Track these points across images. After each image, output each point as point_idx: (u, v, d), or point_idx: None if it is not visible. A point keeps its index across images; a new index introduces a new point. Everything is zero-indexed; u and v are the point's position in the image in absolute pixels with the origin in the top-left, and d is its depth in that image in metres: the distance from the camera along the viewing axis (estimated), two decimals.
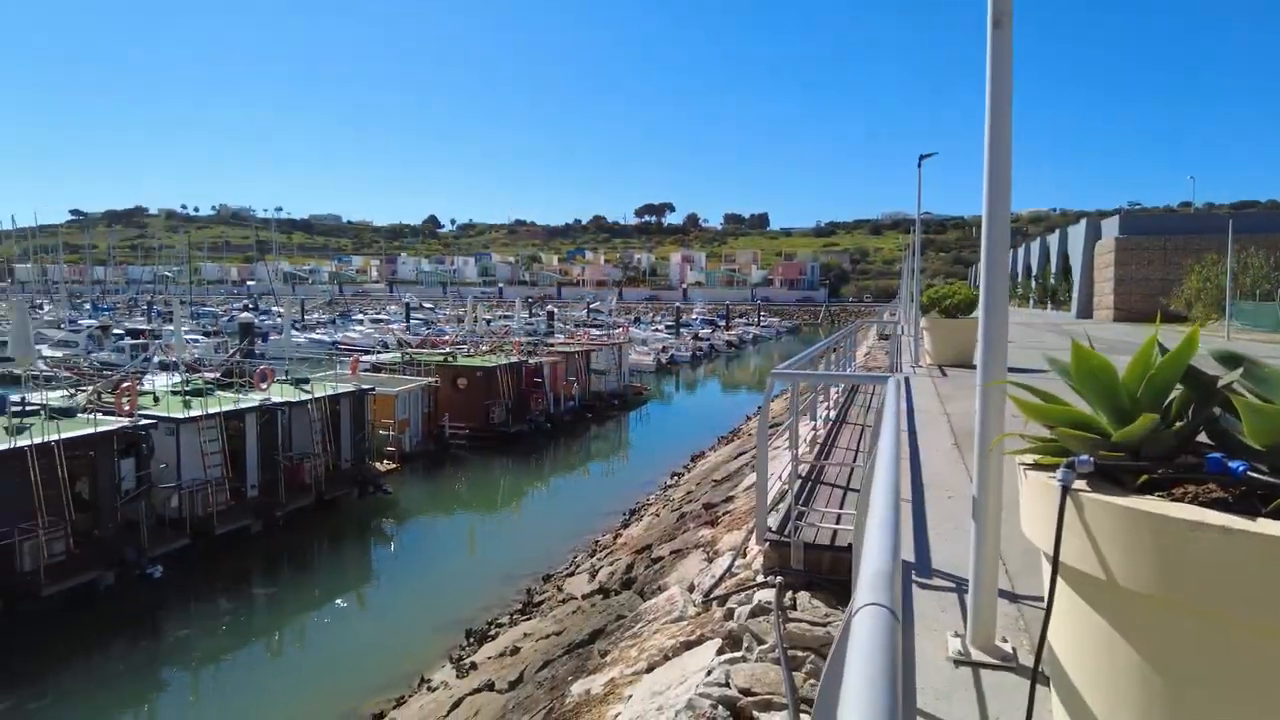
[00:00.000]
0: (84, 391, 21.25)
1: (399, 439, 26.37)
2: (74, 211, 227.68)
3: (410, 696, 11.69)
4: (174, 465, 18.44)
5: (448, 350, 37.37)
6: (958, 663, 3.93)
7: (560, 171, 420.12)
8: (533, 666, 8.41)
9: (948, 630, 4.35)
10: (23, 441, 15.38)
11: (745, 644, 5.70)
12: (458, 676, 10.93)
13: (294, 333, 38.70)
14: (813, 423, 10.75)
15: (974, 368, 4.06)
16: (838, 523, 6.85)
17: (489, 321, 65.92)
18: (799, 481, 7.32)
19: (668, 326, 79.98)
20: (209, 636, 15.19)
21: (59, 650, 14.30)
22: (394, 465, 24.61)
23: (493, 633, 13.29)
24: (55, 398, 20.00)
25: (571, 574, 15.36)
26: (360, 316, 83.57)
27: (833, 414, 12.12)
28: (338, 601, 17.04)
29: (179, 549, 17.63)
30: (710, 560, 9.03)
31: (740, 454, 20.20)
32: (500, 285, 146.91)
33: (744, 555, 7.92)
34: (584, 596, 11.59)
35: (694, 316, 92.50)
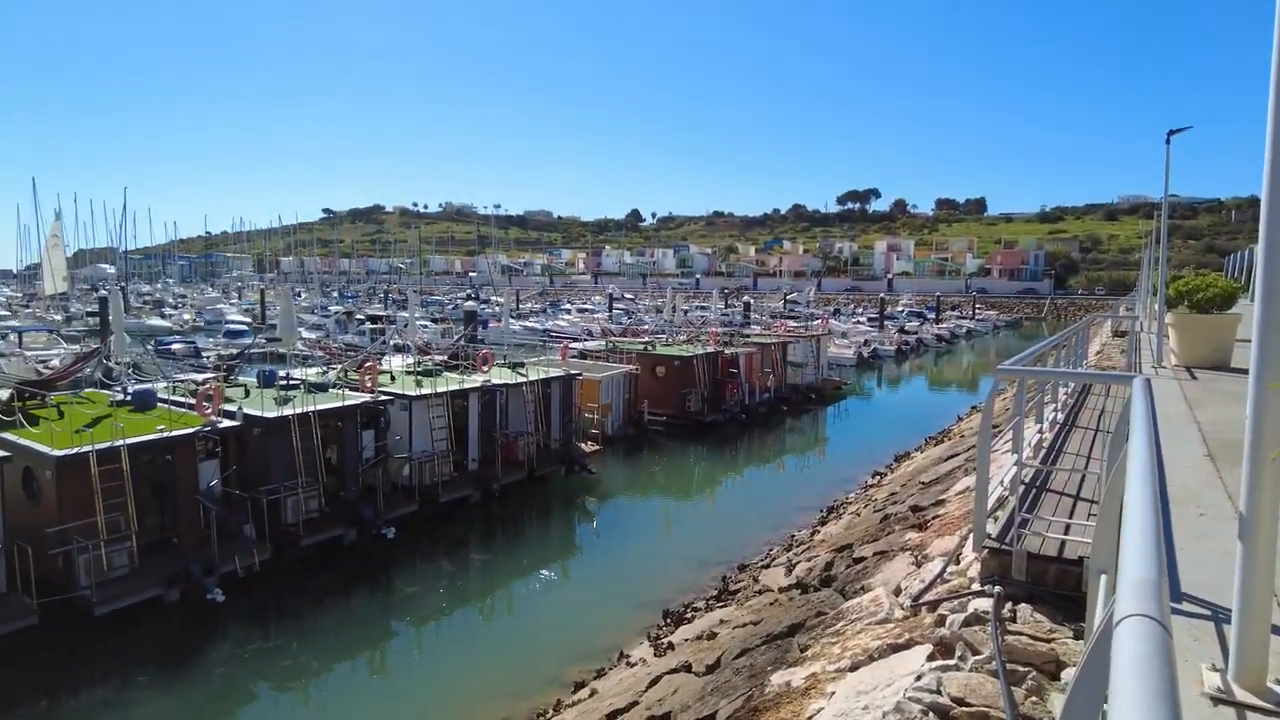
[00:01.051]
0: (334, 369, 24.10)
1: (602, 422, 27.52)
2: (325, 210, 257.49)
3: (610, 669, 12.22)
4: (406, 438, 20.45)
5: (647, 339, 38.39)
6: (1216, 700, 3.52)
7: (758, 161, 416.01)
8: (730, 653, 8.50)
9: (1202, 662, 3.91)
10: (287, 411, 17.72)
11: (958, 653, 5.42)
12: (655, 655, 11.27)
13: (510, 321, 41.48)
14: (1038, 425, 9.95)
15: (1231, 370, 3.58)
16: (1066, 533, 6.31)
17: (686, 312, 66.89)
18: (1022, 487, 6.83)
19: (870, 319, 76.98)
20: (432, 594, 16.75)
21: (314, 593, 16.42)
22: (597, 447, 25.73)
23: (689, 616, 13.56)
24: (312, 374, 22.82)
25: (767, 566, 15.32)
26: (568, 306, 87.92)
27: (1060, 416, 11.14)
28: (543, 571, 18.14)
29: (408, 513, 19.54)
30: (918, 564, 8.65)
31: (951, 456, 19.11)
32: (697, 276, 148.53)
33: (957, 562, 7.51)
34: (781, 590, 11.52)
35: (900, 308, 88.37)
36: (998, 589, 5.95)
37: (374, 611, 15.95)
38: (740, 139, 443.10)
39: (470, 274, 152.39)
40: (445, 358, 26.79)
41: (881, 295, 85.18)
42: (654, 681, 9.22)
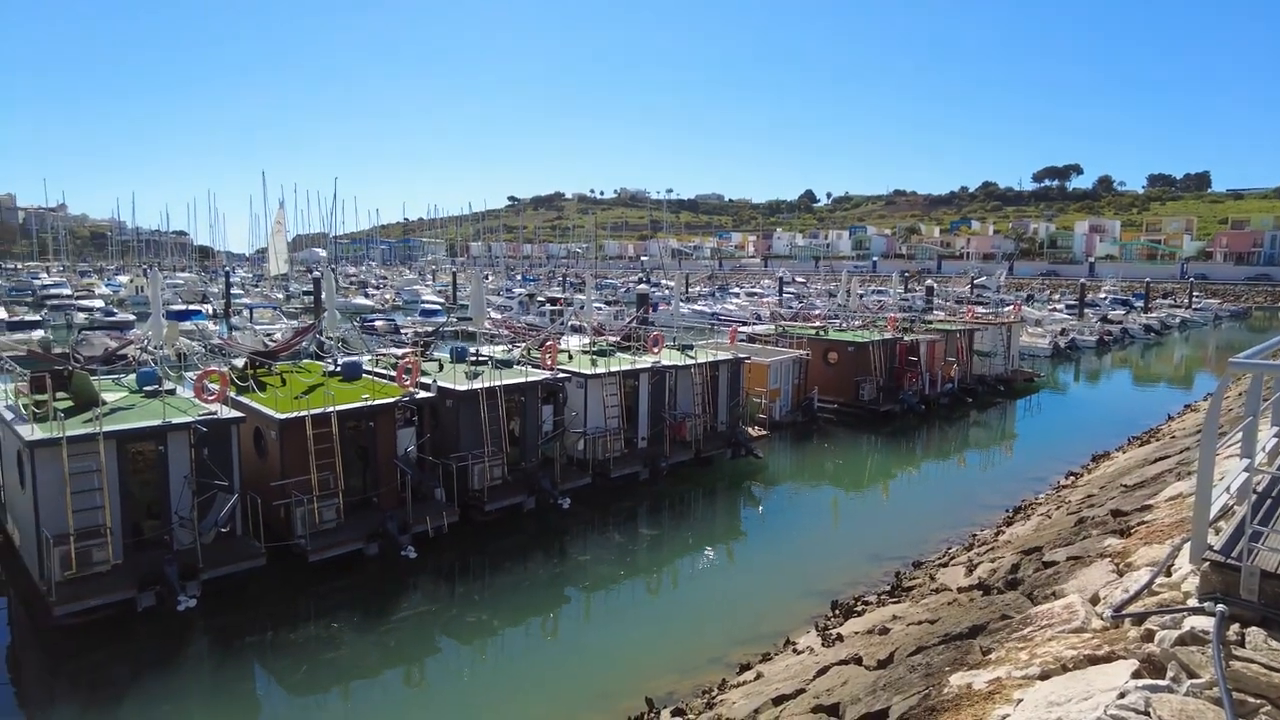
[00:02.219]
0: (518, 347, 25.42)
1: (770, 407, 27.24)
2: (510, 197, 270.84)
3: (775, 655, 12.14)
4: (581, 414, 21.25)
5: (819, 324, 37.45)
6: None
7: (944, 137, 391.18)
8: (904, 650, 8.18)
9: None
10: (476, 385, 18.90)
11: (1171, 673, 4.91)
12: (823, 645, 11.07)
13: (679, 304, 41.94)
14: (1276, 428, 8.75)
15: None
16: None
17: (862, 296, 64.59)
18: (1254, 496, 6.04)
19: (1069, 306, 70.78)
20: (602, 564, 17.35)
21: (495, 555, 17.50)
22: (764, 432, 25.51)
23: (859, 609, 13.20)
24: (498, 351, 24.19)
25: (945, 564, 14.58)
26: (737, 290, 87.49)
27: None
28: (708, 551, 18.28)
29: (582, 486, 20.32)
30: (1120, 573, 7.90)
31: (1160, 458, 17.28)
32: (874, 259, 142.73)
33: (1168, 574, 6.79)
34: (960, 589, 10.93)
35: (1102, 295, 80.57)
36: (1221, 608, 5.31)
37: (549, 576, 16.76)
38: (924, 114, 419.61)
39: (642, 258, 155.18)
40: (618, 339, 27.51)
41: (1082, 281, 77.86)
42: (822, 671, 9.06)
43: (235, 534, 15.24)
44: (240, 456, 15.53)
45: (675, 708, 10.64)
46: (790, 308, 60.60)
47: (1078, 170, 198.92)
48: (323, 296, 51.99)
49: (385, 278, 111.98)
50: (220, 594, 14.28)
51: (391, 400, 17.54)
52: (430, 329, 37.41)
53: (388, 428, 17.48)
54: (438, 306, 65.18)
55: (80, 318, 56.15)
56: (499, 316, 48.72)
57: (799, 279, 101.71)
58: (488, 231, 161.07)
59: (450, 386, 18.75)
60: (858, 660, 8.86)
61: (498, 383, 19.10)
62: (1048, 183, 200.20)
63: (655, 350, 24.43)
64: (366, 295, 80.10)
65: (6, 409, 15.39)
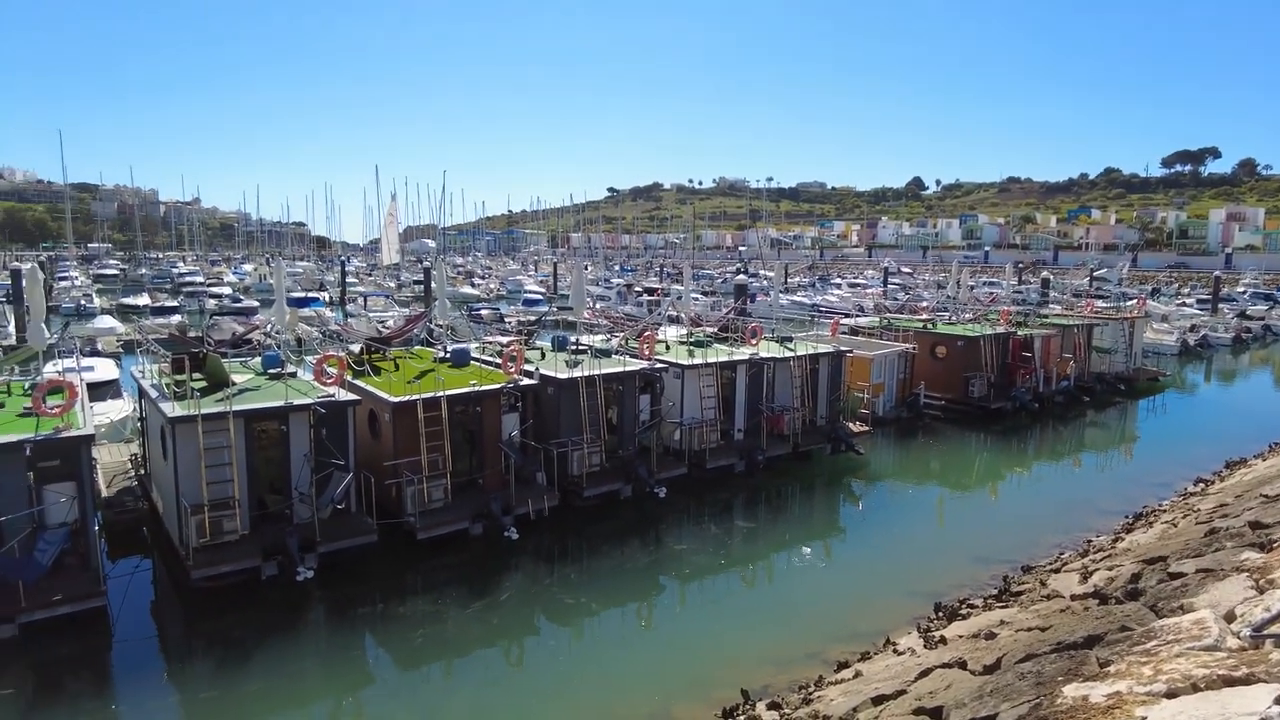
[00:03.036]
0: (616, 337, 25.70)
1: (872, 402, 26.58)
2: (609, 189, 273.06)
3: (875, 654, 11.91)
4: (678, 404, 21.33)
5: (927, 317, 36.21)
6: None
7: (1062, 121, 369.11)
8: (1012, 656, 7.87)
9: None
10: (577, 373, 19.25)
11: None
12: (925, 646, 10.78)
13: (779, 295, 41.38)
14: None
15: None
16: None
17: (973, 288, 62.03)
18: None
19: (1200, 301, 65.89)
20: (698, 554, 17.39)
21: (593, 540, 17.82)
22: (865, 427, 24.93)
23: (964, 612, 12.77)
24: (597, 341, 24.53)
25: (1057, 570, 13.92)
26: (839, 281, 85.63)
27: None
28: (805, 546, 18.04)
29: (678, 476, 20.42)
30: (1260, 590, 7.35)
31: None
32: (986, 249, 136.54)
33: None
34: (1074, 597, 10.41)
35: (1240, 289, 74.67)
36: None
37: (645, 563, 16.95)
38: (1040, 97, 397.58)
39: (740, 248, 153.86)
40: (715, 330, 27.41)
41: (1216, 273, 72.25)
42: (924, 673, 8.83)
43: (350, 510, 16.08)
44: (356, 437, 16.34)
45: (771, 701, 10.59)
46: (896, 299, 58.81)
47: (1214, 154, 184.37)
48: (433, 286, 53.93)
49: (490, 268, 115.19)
50: (335, 567, 15.12)
51: (497, 386, 18.09)
52: (532, 318, 38.29)
53: (493, 412, 18.05)
54: (539, 296, 66.62)
55: (211, 304, 60.31)
56: (598, 306, 49.40)
57: (905, 269, 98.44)
58: (587, 223, 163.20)
59: (551, 374, 19.17)
60: (962, 664, 8.58)
61: (596, 372, 19.39)
62: (1178, 168, 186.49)
63: (753, 342, 24.22)
64: (472, 285, 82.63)
65: (152, 387, 16.70)
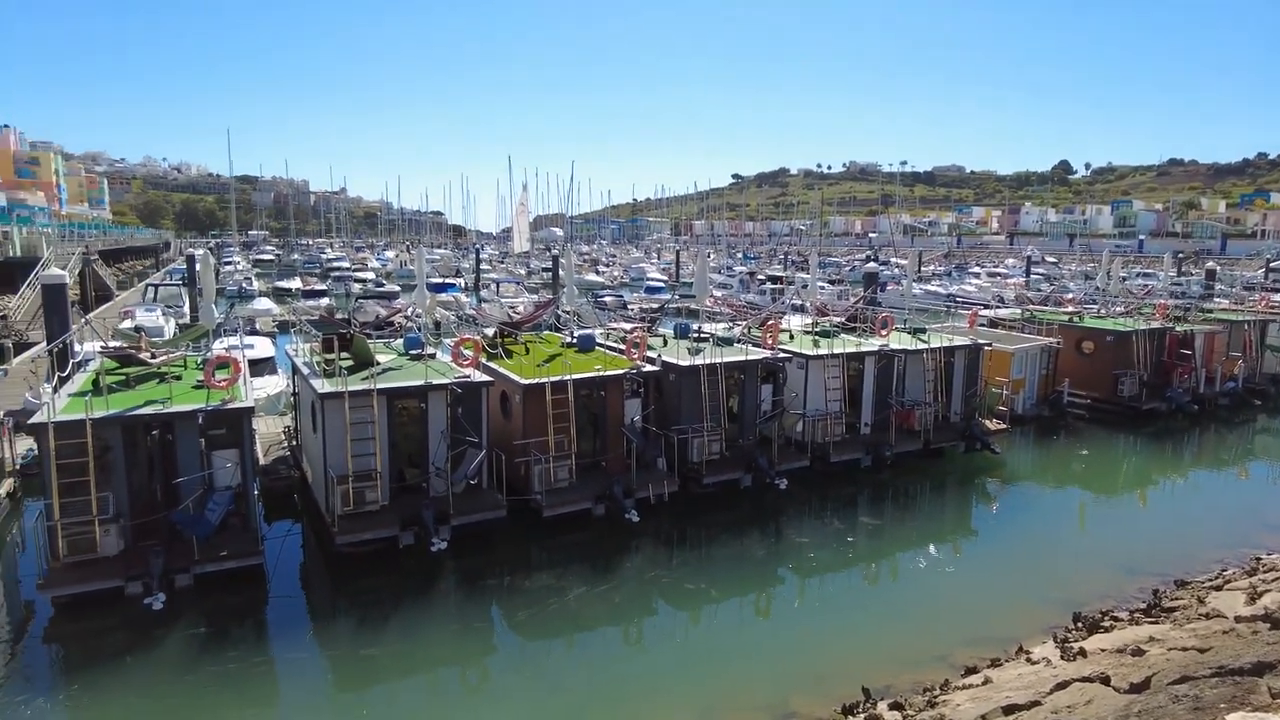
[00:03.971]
0: (738, 326, 25.53)
1: (1011, 399, 25.19)
2: (734, 175, 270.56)
3: (1006, 661, 11.37)
4: (801, 395, 20.97)
5: (1073, 310, 33.90)
6: None
7: (1234, 94, 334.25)
8: (1165, 676, 7.33)
9: None
10: (698, 361, 19.28)
11: None
12: (1062, 657, 10.20)
13: (911, 284, 39.79)
14: None
15: None
16: None
17: (1125, 279, 57.54)
18: None
19: None
20: (818, 548, 17.10)
21: (711, 528, 17.87)
22: (1003, 425, 23.66)
23: (1106, 624, 11.98)
24: (719, 329, 24.45)
25: (1219, 588, 12.81)
26: (977, 269, 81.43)
27: None
28: (932, 546, 17.39)
29: (799, 468, 20.11)
30: None
31: None
32: (1140, 237, 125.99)
33: None
34: (1239, 619, 9.56)
35: None
36: None
37: (764, 554, 16.84)
38: (1208, 71, 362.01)
39: (870, 234, 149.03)
40: (843, 320, 26.73)
41: None
42: (1060, 685, 8.36)
43: (482, 486, 16.81)
44: (488, 416, 17.04)
45: (894, 701, 10.33)
46: (1039, 290, 55.36)
47: None
48: (561, 273, 55.27)
49: (614, 256, 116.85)
50: (466, 539, 15.86)
51: (621, 372, 18.38)
52: (655, 305, 38.57)
53: (617, 397, 18.37)
54: (662, 284, 67.00)
55: (356, 288, 64.18)
56: (720, 294, 49.18)
57: (1049, 259, 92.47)
58: (711, 210, 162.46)
59: (673, 361, 19.28)
60: (1104, 680, 8.07)
61: (718, 360, 19.35)
62: None
63: (883, 333, 23.46)
64: (597, 272, 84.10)
65: (304, 365, 18.00)
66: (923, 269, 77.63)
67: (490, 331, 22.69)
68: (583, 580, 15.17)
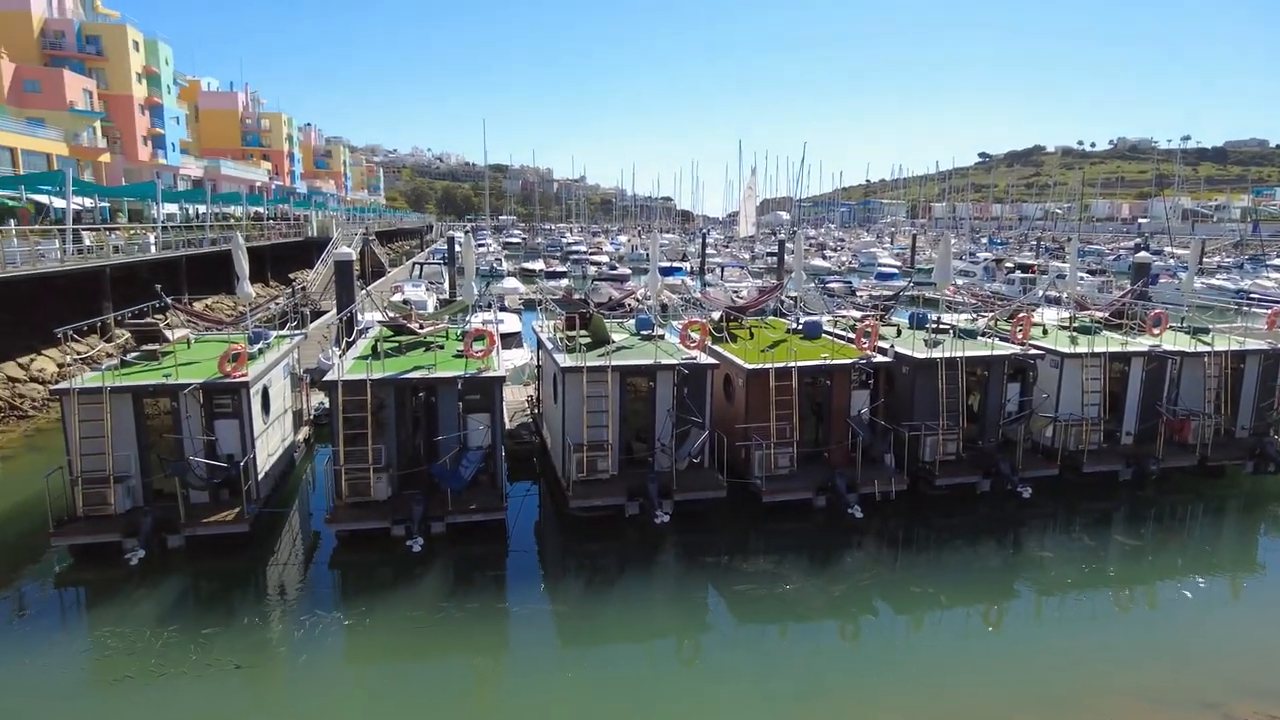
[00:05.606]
0: (983, 317, 23.76)
1: None
2: (981, 154, 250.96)
3: None
4: (1053, 397, 19.13)
5: None
6: None
7: None
8: None
9: None
10: (936, 353, 18.22)
11: None
12: None
13: (1193, 277, 34.68)
14: None
15: None
16: None
17: None
18: None
19: None
20: (1063, 566, 15.56)
21: (941, 532, 16.91)
22: None
23: None
24: (960, 320, 22.91)
25: None
26: (1277, 261, 69.51)
27: None
28: (1202, 579, 15.19)
29: (1046, 476, 18.39)
30: None
31: None
32: None
33: None
34: None
35: None
36: None
37: (998, 565, 15.68)
38: None
39: (1140, 220, 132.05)
40: (1106, 315, 23.97)
41: None
42: None
43: (703, 466, 17.14)
44: (712, 398, 17.31)
45: None
46: None
47: None
48: (787, 258, 54.60)
49: (843, 240, 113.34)
50: (686, 515, 16.28)
51: (849, 361, 17.85)
52: (889, 293, 36.90)
53: (843, 387, 17.87)
54: (894, 270, 63.96)
55: (592, 270, 67.61)
56: (961, 283, 46.05)
57: None
58: (953, 191, 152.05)
59: (907, 353, 18.38)
60: None
61: (959, 353, 18.16)
62: None
63: (1155, 331, 20.75)
64: (824, 257, 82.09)
65: (548, 340, 19.31)
66: (1206, 260, 67.48)
67: (716, 315, 22.95)
68: (801, 570, 15.02)
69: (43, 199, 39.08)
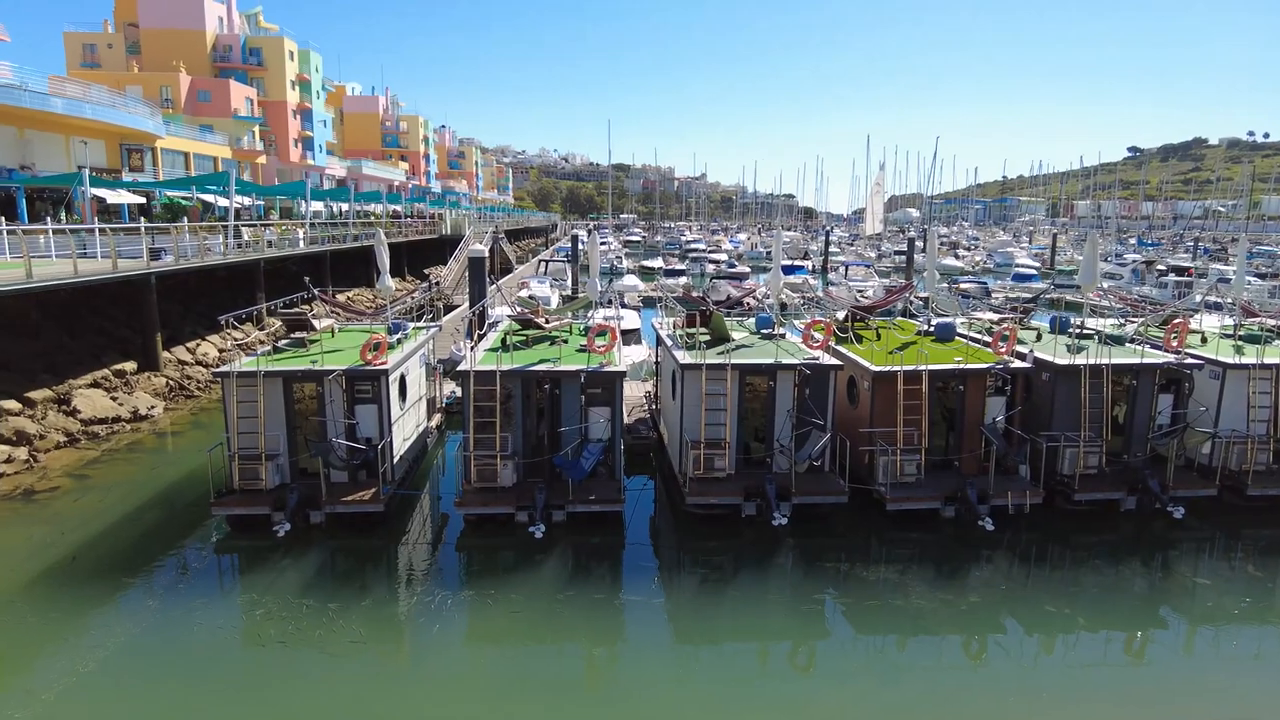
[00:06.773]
0: (1132, 323, 22.11)
1: None
2: (1130, 149, 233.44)
3: None
4: (1213, 411, 17.60)
5: None
6: None
7: None
8: None
9: None
10: (1079, 360, 17.10)
11: None
12: None
13: None
14: None
15: None
16: None
17: None
18: None
19: None
20: (1219, 594, 14.24)
21: (1079, 551, 15.82)
22: None
23: None
24: (1107, 325, 21.41)
25: None
26: None
27: None
28: None
29: (1202, 496, 16.97)
30: None
31: None
32: None
33: None
34: None
35: None
36: None
37: (1143, 589, 14.56)
38: None
39: None
40: (1277, 323, 21.80)
41: None
42: None
43: (824, 469, 16.80)
44: (835, 400, 16.93)
45: None
46: None
47: None
48: (918, 257, 52.69)
49: (977, 239, 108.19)
50: (805, 519, 16.01)
51: (984, 366, 17.03)
52: (1029, 295, 34.92)
53: (977, 393, 17.07)
54: (1033, 271, 60.48)
55: (710, 268, 67.49)
56: (1108, 285, 43.10)
57: None
58: (1099, 188, 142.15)
59: (1048, 359, 17.35)
60: None
61: (1104, 361, 16.98)
62: None
63: None
64: (956, 256, 78.67)
65: (668, 337, 19.43)
66: None
67: (840, 314, 22.41)
68: (925, 581, 14.46)
69: (209, 198, 42.84)
